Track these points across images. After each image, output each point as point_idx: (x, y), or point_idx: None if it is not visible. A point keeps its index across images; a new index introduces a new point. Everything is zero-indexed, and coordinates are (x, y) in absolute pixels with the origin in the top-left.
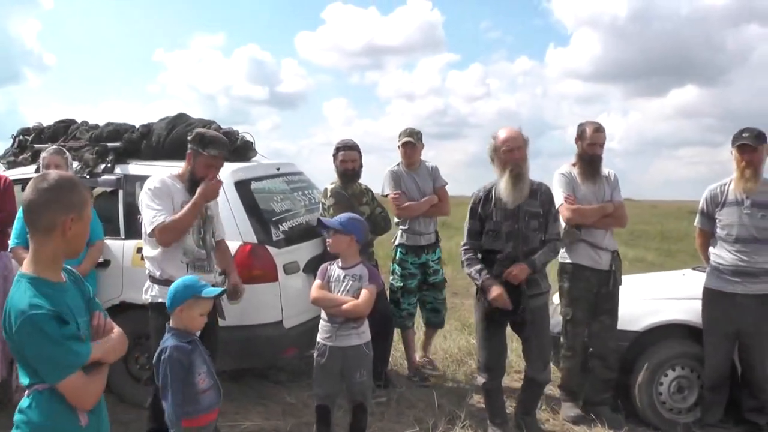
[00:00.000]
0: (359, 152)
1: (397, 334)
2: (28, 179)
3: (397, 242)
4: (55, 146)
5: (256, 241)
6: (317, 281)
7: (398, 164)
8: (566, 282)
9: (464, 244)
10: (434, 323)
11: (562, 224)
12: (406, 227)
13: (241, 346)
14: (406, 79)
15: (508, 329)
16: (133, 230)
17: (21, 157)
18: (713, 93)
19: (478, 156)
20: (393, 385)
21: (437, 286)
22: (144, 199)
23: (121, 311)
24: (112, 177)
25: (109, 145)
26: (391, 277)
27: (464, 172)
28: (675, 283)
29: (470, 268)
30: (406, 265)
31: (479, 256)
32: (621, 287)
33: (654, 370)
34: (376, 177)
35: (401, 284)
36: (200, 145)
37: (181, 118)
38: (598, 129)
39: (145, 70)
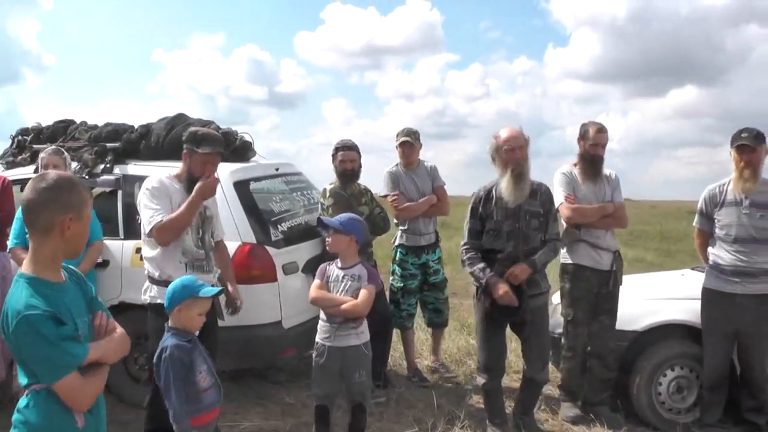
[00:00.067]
0: (358, 152)
1: (396, 334)
2: (27, 179)
3: (396, 243)
4: (53, 146)
5: (255, 241)
6: (316, 281)
7: (396, 165)
8: (567, 283)
9: (464, 244)
10: (436, 323)
11: (562, 224)
12: (406, 227)
13: (240, 346)
14: (405, 79)
15: (508, 329)
16: (132, 230)
17: (20, 157)
18: (712, 93)
19: (478, 156)
20: (392, 386)
21: (438, 286)
22: (142, 200)
23: (120, 311)
24: (111, 177)
25: (108, 145)
26: (391, 278)
27: (463, 172)
28: (674, 283)
29: (473, 267)
30: (407, 266)
31: (480, 255)
32: (620, 287)
33: (653, 370)
34: (375, 177)
35: (401, 285)
36: (194, 144)
37: (181, 118)
38: (601, 129)
39: (144, 71)
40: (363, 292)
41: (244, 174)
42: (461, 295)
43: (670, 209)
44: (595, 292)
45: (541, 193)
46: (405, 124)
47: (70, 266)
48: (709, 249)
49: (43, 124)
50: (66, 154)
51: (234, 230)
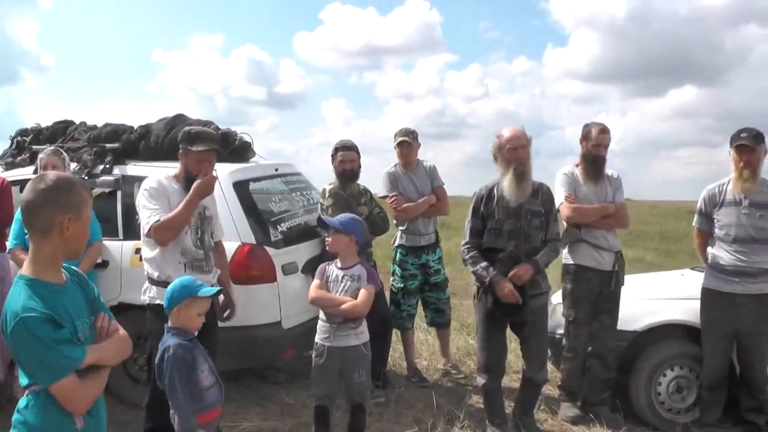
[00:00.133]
0: (358, 153)
1: (396, 334)
2: (26, 180)
3: (396, 243)
4: (52, 147)
5: (254, 241)
6: (315, 281)
7: (395, 165)
8: (569, 283)
9: (466, 243)
10: (439, 323)
11: (562, 224)
12: (405, 228)
13: (240, 346)
14: (404, 79)
15: (508, 330)
16: (132, 231)
17: (19, 158)
18: (712, 93)
19: (477, 156)
20: (392, 386)
21: (439, 286)
22: (140, 200)
23: (120, 312)
24: (110, 178)
25: (108, 145)
26: (391, 279)
27: (463, 172)
28: (674, 283)
29: (476, 265)
30: (407, 266)
31: (481, 254)
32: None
33: (653, 370)
34: (374, 177)
35: (402, 285)
36: (188, 143)
37: (180, 118)
38: (604, 130)
39: (143, 71)
40: (362, 293)
41: (243, 174)
42: (461, 296)
43: (669, 209)
44: (597, 292)
45: (542, 193)
46: (404, 124)
47: (72, 267)
48: (709, 249)
49: (43, 125)
50: (65, 154)
51: (233, 230)
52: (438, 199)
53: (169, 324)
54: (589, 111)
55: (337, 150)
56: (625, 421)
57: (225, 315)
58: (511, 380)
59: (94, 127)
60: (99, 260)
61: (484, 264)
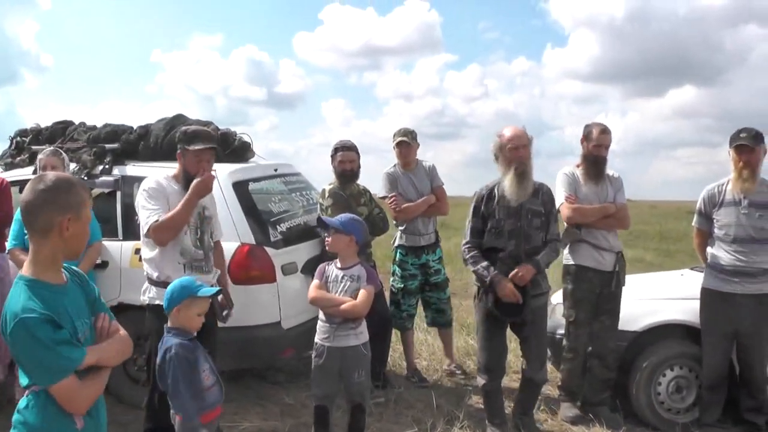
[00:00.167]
0: (357, 153)
1: (395, 335)
2: (26, 181)
3: (396, 243)
4: (51, 148)
5: (254, 241)
6: (315, 281)
7: (394, 165)
8: (570, 284)
9: (466, 243)
10: (440, 323)
11: (562, 224)
12: (405, 228)
13: (240, 346)
14: (404, 79)
15: (508, 330)
16: (131, 231)
17: (18, 158)
18: (711, 93)
19: (477, 156)
20: (391, 386)
21: (440, 286)
22: (139, 201)
23: (120, 312)
24: (109, 178)
25: (107, 146)
26: (391, 279)
27: (462, 172)
28: (673, 283)
29: (476, 265)
30: (407, 266)
31: (481, 254)
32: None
33: (652, 370)
34: (374, 177)
35: (402, 285)
36: (185, 142)
37: (179, 118)
38: (605, 131)
39: (143, 71)
40: (362, 293)
41: (242, 174)
42: (460, 296)
43: (669, 209)
44: (597, 292)
45: (543, 193)
46: (404, 124)
47: (73, 267)
48: (708, 249)
49: (42, 125)
50: (64, 155)
51: (233, 231)
52: (437, 199)
53: (169, 324)
54: (589, 111)
55: (336, 150)
56: (625, 421)
57: (224, 314)
58: (511, 380)
59: (94, 128)
60: (98, 260)
61: (484, 263)
